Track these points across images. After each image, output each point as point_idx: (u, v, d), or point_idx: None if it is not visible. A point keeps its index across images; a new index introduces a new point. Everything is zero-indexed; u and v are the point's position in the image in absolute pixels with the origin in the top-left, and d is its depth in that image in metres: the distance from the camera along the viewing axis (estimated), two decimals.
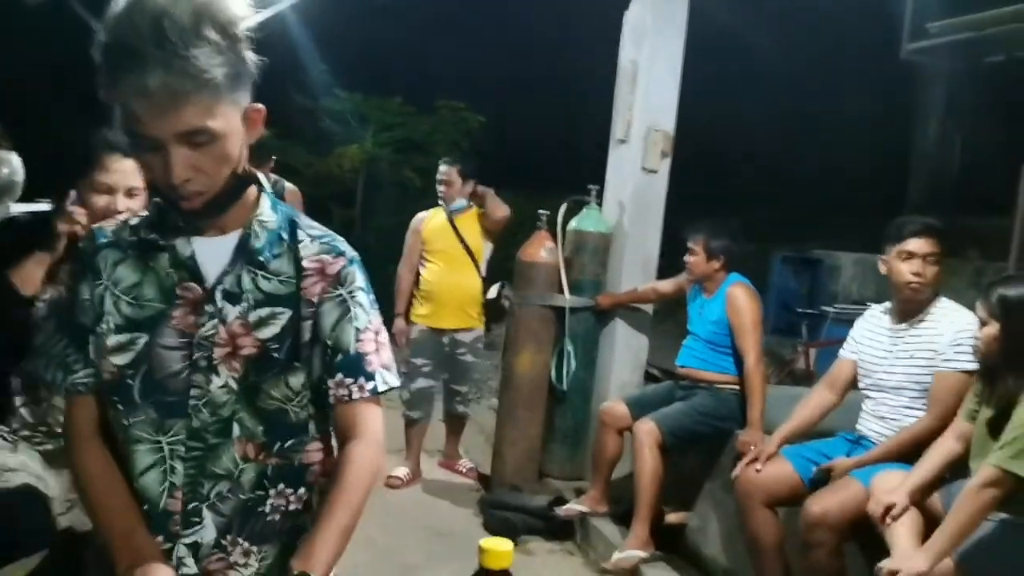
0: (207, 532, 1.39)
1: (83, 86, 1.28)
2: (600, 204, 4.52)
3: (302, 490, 1.44)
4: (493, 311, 4.59)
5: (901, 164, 11.10)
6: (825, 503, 2.68)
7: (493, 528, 3.95)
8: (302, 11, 7.30)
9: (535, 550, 3.84)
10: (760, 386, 3.48)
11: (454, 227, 4.55)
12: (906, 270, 2.83)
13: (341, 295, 1.41)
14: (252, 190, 1.39)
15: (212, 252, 1.37)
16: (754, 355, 3.50)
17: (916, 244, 2.83)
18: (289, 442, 1.42)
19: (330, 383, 1.40)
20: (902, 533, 2.43)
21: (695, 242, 3.70)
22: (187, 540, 1.38)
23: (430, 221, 4.66)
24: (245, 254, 1.37)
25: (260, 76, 1.31)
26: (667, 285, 4.14)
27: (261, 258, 1.38)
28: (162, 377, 1.36)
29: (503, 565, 1.05)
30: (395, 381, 1.46)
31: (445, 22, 12.70)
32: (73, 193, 2.19)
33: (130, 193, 2.25)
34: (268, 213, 1.41)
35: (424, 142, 11.23)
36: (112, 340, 1.36)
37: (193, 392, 1.36)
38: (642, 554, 3.43)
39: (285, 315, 1.38)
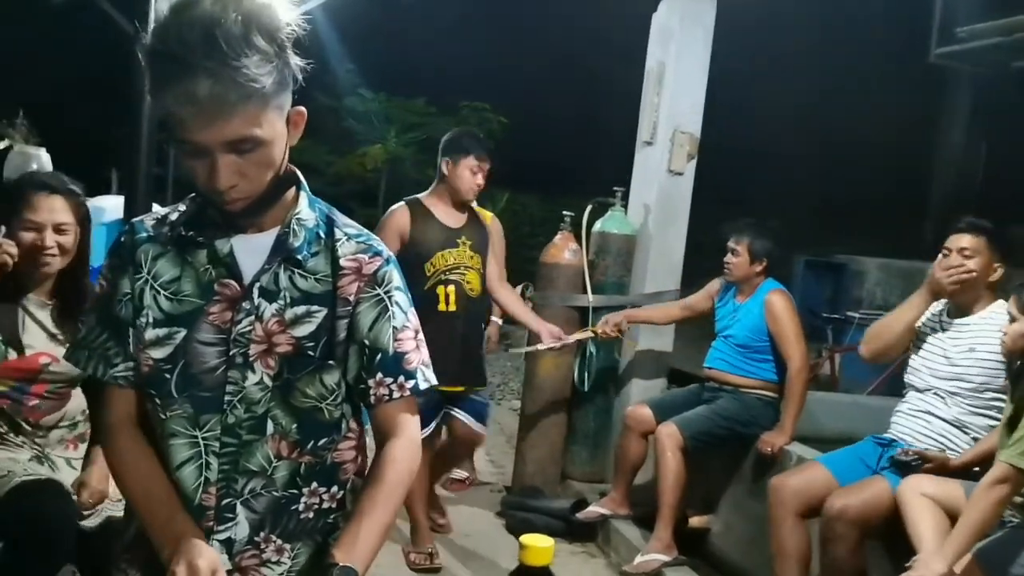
0: (241, 528, 1.39)
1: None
2: (625, 206, 4.50)
3: (335, 488, 1.45)
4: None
5: (926, 169, 11.00)
6: (847, 498, 2.67)
7: (514, 529, 3.95)
8: (330, 11, 7.32)
9: (556, 552, 3.81)
10: (800, 393, 3.45)
11: None
12: (942, 264, 2.85)
13: (379, 294, 1.41)
14: (292, 189, 1.40)
15: (250, 249, 1.37)
16: (799, 362, 3.47)
17: (952, 240, 2.86)
18: (322, 440, 1.42)
19: (370, 383, 1.41)
20: (927, 534, 2.40)
21: (738, 243, 3.63)
22: (221, 536, 1.38)
23: None
24: (282, 252, 1.37)
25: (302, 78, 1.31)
26: (699, 299, 3.96)
27: (299, 256, 1.38)
28: (198, 372, 1.36)
29: (543, 562, 1.04)
30: (434, 379, 1.46)
31: (470, 23, 12.72)
32: (3, 228, 2.26)
33: (59, 229, 2.32)
34: (306, 212, 1.41)
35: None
36: (150, 334, 1.37)
37: (229, 388, 1.36)
38: (664, 558, 3.42)
39: (321, 313, 1.38)
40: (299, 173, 1.43)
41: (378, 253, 1.43)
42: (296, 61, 1.27)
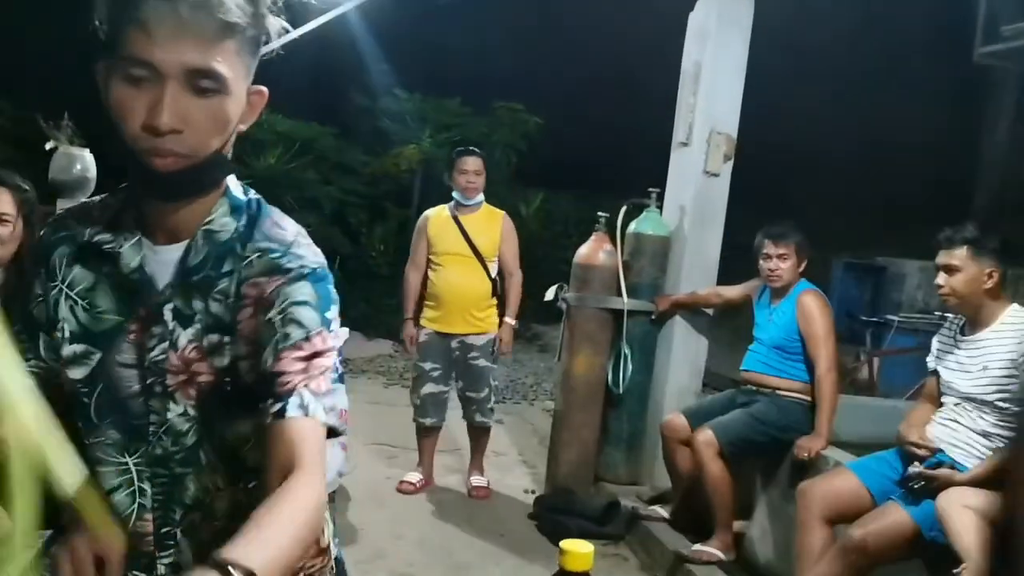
0: (184, 555, 1.27)
1: None
2: (660, 207, 4.48)
3: None
4: (550, 313, 4.52)
5: (970, 169, 10.81)
6: (868, 528, 2.64)
7: (547, 530, 3.95)
8: (365, 12, 7.38)
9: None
10: (831, 395, 3.41)
11: (459, 226, 4.32)
12: (937, 282, 2.84)
13: (270, 319, 1.15)
14: (221, 188, 1.21)
15: (163, 263, 1.19)
16: (826, 363, 3.43)
17: (941, 257, 2.82)
18: (255, 481, 1.22)
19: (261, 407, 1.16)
20: (972, 544, 2.36)
21: (786, 246, 3.59)
22: (166, 560, 1.26)
23: (435, 220, 4.40)
24: (188, 269, 1.18)
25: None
26: (733, 291, 4.03)
27: (199, 276, 1.18)
28: (121, 397, 1.21)
29: (584, 567, 1.02)
30: (324, 417, 1.13)
31: (505, 23, 12.73)
32: None
33: (0, 219, 2.42)
34: (221, 220, 1.20)
35: (481, 142, 11.30)
36: (67, 350, 1.22)
37: (152, 418, 1.21)
38: (722, 555, 3.45)
39: (233, 345, 1.19)
40: (233, 175, 1.25)
41: (286, 272, 1.18)
42: (275, 23, 1.15)
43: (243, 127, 1.19)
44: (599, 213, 4.51)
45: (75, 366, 1.21)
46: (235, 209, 1.21)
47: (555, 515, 3.97)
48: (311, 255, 1.22)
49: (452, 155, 4.44)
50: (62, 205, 3.93)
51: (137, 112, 1.06)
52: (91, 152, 4.00)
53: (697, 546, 3.49)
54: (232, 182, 1.24)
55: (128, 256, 1.18)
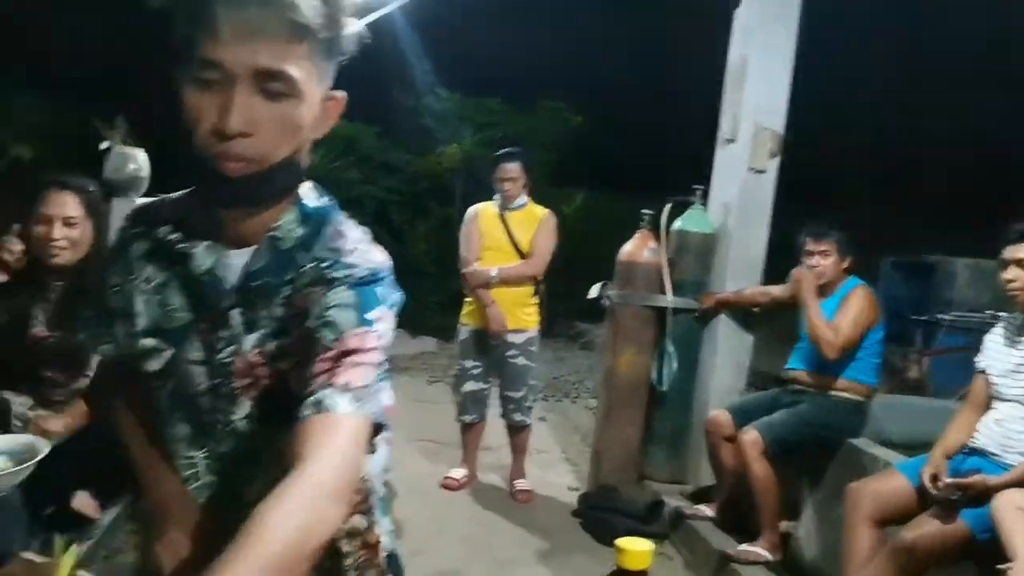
0: None
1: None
2: (705, 204, 4.44)
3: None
4: (594, 311, 4.49)
5: (1022, 164, 10.55)
6: (919, 531, 2.58)
7: (591, 528, 3.94)
8: (408, 12, 7.43)
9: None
10: (815, 334, 3.44)
11: (505, 223, 4.33)
12: (1002, 277, 2.77)
13: (310, 327, 1.13)
14: (293, 196, 1.20)
15: (232, 267, 1.19)
16: (837, 341, 3.41)
17: (1010, 250, 2.76)
18: None
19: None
20: (1022, 545, 2.32)
21: (827, 243, 3.55)
22: None
23: (483, 214, 4.41)
24: (254, 274, 1.18)
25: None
26: (781, 289, 3.97)
27: (259, 283, 1.17)
28: (191, 394, 1.23)
29: (641, 566, 1.02)
30: (350, 406, 1.06)
31: (547, 22, 12.72)
32: (15, 226, 2.44)
33: (67, 222, 2.46)
34: (288, 227, 1.18)
35: (522, 141, 11.31)
36: (142, 343, 1.24)
37: (218, 416, 1.23)
38: (768, 556, 3.41)
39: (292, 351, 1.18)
40: (307, 183, 1.23)
41: (329, 282, 1.15)
42: (351, 27, 1.12)
43: (316, 135, 1.16)
44: (643, 211, 4.49)
45: (149, 359, 1.23)
46: (304, 217, 1.20)
47: (599, 513, 3.96)
48: (365, 261, 1.19)
49: (492, 160, 4.46)
50: (116, 204, 4.02)
51: (206, 115, 1.05)
52: (145, 151, 4.08)
53: (743, 546, 3.46)
54: (306, 189, 1.22)
55: (201, 257, 1.17)
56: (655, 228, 4.42)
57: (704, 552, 3.63)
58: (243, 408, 1.20)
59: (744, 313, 4.31)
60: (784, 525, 3.58)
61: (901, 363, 6.60)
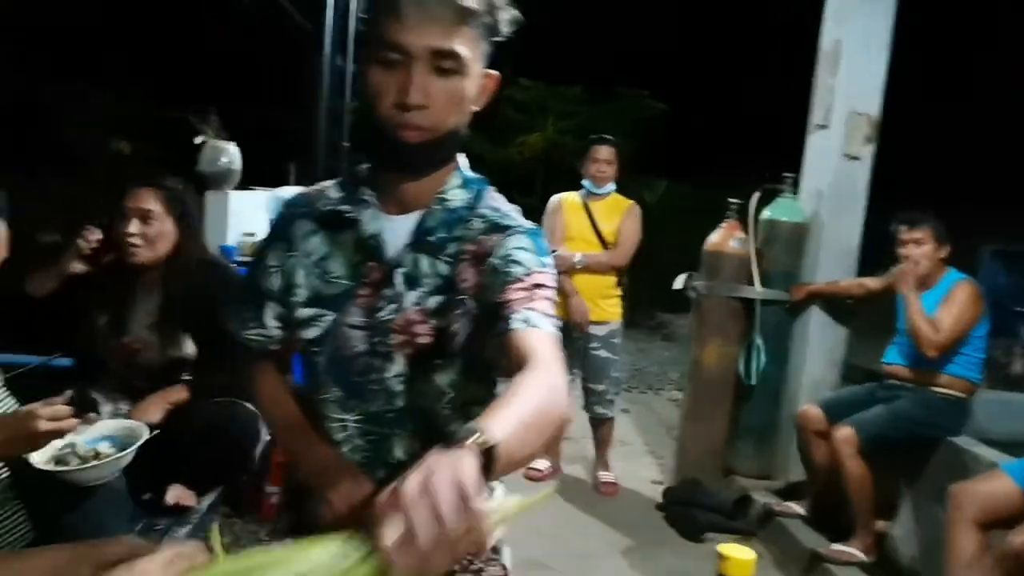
0: None
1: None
2: (796, 193, 4.31)
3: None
4: (679, 302, 4.39)
5: None
6: None
7: (675, 522, 3.89)
8: None
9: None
10: (923, 325, 3.30)
11: (589, 213, 4.26)
12: None
13: (493, 264, 1.27)
14: (452, 164, 1.35)
15: (397, 232, 1.33)
16: (939, 340, 3.27)
17: None
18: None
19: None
20: None
21: (922, 232, 3.41)
22: None
23: (567, 204, 4.34)
24: (422, 235, 1.32)
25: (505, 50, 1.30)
26: (877, 281, 3.83)
27: (433, 239, 1.31)
28: (348, 356, 1.33)
29: (744, 574, 0.99)
30: (542, 323, 1.18)
31: (630, 8, 12.56)
32: (102, 220, 2.45)
33: (144, 218, 2.44)
34: (454, 191, 1.34)
35: (604, 129, 11.19)
36: (301, 313, 1.36)
37: (372, 376, 1.33)
38: (863, 557, 3.32)
39: (458, 303, 1.30)
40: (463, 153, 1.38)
41: (503, 229, 1.31)
42: (507, 12, 1.27)
43: (476, 107, 1.30)
44: (730, 200, 4.38)
45: (308, 327, 1.35)
46: (466, 183, 1.36)
47: (684, 507, 3.90)
48: (519, 219, 1.35)
49: (586, 143, 4.40)
50: (210, 197, 4.13)
51: (389, 91, 1.21)
52: (236, 145, 4.18)
53: (836, 545, 3.36)
54: (463, 160, 1.38)
55: (368, 222, 1.32)
56: (743, 217, 4.31)
57: (795, 550, 3.54)
58: (396, 366, 1.31)
59: (837, 305, 4.17)
60: (879, 525, 3.46)
61: (1003, 357, 6.32)
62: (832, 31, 4.25)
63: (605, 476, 4.37)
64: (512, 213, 1.37)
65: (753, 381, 4.20)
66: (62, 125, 9.83)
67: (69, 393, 1.70)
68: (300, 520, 1.40)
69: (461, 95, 1.24)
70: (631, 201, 4.34)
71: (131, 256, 2.43)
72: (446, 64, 1.20)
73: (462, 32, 1.20)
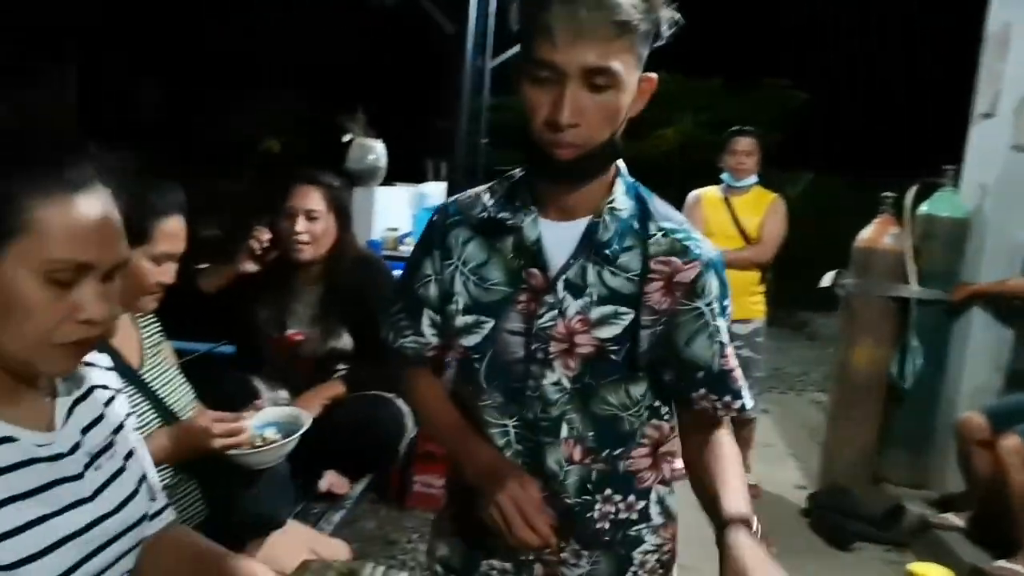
0: None
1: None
2: (956, 186, 4.06)
3: (632, 497, 1.37)
4: (827, 300, 4.22)
5: None
6: None
7: (821, 530, 3.75)
8: None
9: (869, 559, 3.58)
10: None
11: (730, 208, 4.14)
12: None
13: (699, 308, 1.29)
14: (611, 170, 1.31)
15: (559, 238, 1.29)
16: None
17: None
18: (618, 450, 1.34)
19: (693, 395, 1.32)
20: None
21: None
22: None
23: (707, 199, 4.24)
24: (592, 244, 1.28)
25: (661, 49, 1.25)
26: None
27: (608, 251, 1.27)
28: (507, 361, 1.32)
29: None
30: (751, 401, 1.36)
31: None
32: (267, 220, 2.51)
33: (309, 216, 2.49)
34: (622, 199, 1.30)
35: (744, 122, 10.90)
36: (460, 321, 1.34)
37: (529, 383, 1.31)
38: None
39: (628, 316, 1.28)
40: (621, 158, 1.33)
41: (696, 257, 1.28)
42: (667, 14, 1.21)
43: (632, 114, 1.27)
44: (884, 194, 4.18)
45: (468, 334, 1.35)
46: (629, 188, 1.32)
47: (831, 514, 3.75)
48: (705, 243, 1.32)
49: (725, 136, 4.30)
50: (357, 194, 4.28)
51: (542, 108, 1.18)
52: (383, 142, 4.32)
53: (1000, 562, 3.15)
54: (621, 164, 1.34)
55: (529, 230, 1.30)
56: (898, 212, 4.10)
57: (953, 565, 3.31)
58: (554, 373, 1.30)
59: (1003, 306, 3.90)
60: None
61: None
62: (1000, 13, 3.99)
63: (746, 479, 4.24)
64: (685, 225, 1.33)
65: (907, 385, 3.99)
66: (218, 125, 10.44)
67: (242, 415, 1.80)
68: (467, 521, 1.40)
69: (616, 109, 1.20)
70: (774, 194, 4.20)
71: (297, 253, 2.54)
72: (599, 80, 1.16)
73: (617, 46, 1.15)
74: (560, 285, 1.28)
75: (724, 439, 1.35)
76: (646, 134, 11.10)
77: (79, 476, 1.08)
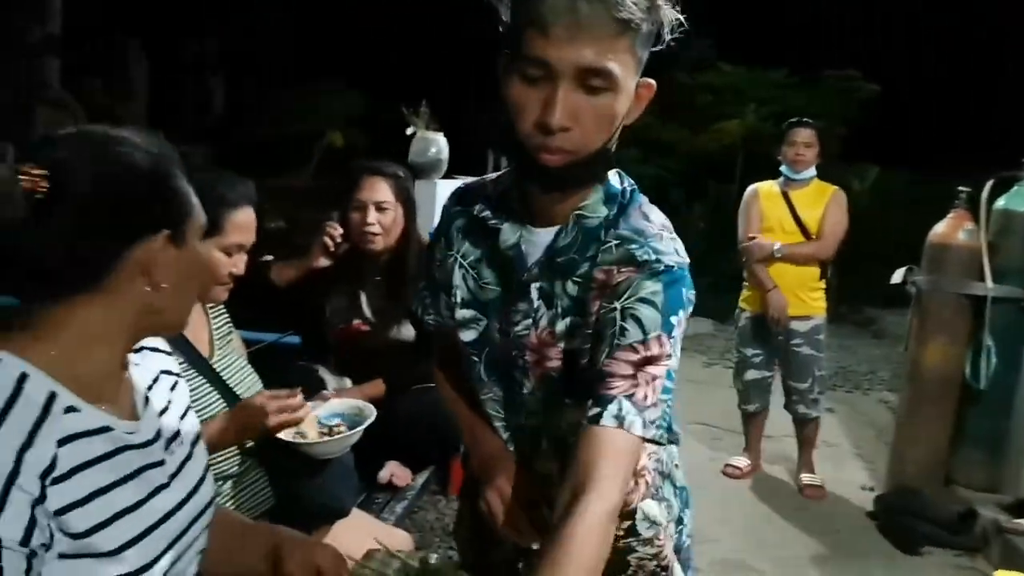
0: (525, 535, 1.33)
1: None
2: None
3: (626, 524, 1.26)
4: (898, 297, 4.09)
5: None
6: None
7: (888, 532, 3.65)
8: None
9: (939, 564, 3.47)
10: None
11: (788, 202, 4.03)
12: None
13: (614, 307, 1.16)
14: (598, 182, 1.24)
15: (536, 244, 1.25)
16: None
17: None
18: None
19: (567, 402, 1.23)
20: None
21: None
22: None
23: (764, 193, 4.13)
24: (553, 253, 1.23)
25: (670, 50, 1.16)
26: None
27: (563, 259, 1.22)
28: (501, 361, 1.31)
29: None
30: (641, 430, 1.11)
31: None
32: (335, 213, 2.52)
33: (379, 207, 2.50)
34: (592, 207, 1.22)
35: (809, 114, 10.65)
36: (459, 314, 1.34)
37: (515, 388, 1.30)
38: None
39: (587, 329, 1.21)
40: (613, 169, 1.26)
41: (640, 264, 1.18)
42: (670, 15, 1.13)
43: (628, 121, 1.19)
44: (959, 188, 4.04)
45: (465, 329, 1.33)
46: (609, 197, 1.24)
47: (899, 517, 3.65)
48: (671, 252, 1.21)
49: (784, 127, 4.21)
50: (419, 186, 4.30)
51: (530, 109, 1.10)
52: (445, 136, 4.32)
53: None
54: (611, 173, 1.26)
55: (507, 233, 1.25)
56: (973, 207, 3.96)
57: None
58: (530, 383, 1.27)
59: None
60: None
61: None
62: None
63: (810, 479, 4.16)
64: (656, 240, 1.21)
65: (982, 385, 3.85)
66: (282, 119, 10.61)
67: (298, 390, 1.82)
68: (473, 511, 1.42)
69: (611, 114, 1.12)
70: (835, 187, 4.10)
71: (368, 244, 2.58)
72: (596, 82, 1.08)
73: (617, 45, 1.07)
74: (534, 292, 1.24)
75: (586, 515, 1.05)
76: (705, 127, 10.93)
77: (161, 462, 1.11)
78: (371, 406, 1.99)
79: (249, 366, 2.00)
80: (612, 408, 1.10)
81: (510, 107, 1.12)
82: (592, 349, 1.18)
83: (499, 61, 1.17)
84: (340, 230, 2.59)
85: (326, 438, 1.84)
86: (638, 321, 1.14)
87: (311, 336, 2.77)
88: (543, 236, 1.24)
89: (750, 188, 4.27)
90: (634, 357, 1.13)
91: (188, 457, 1.18)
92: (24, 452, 0.91)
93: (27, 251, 0.96)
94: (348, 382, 2.62)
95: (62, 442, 0.96)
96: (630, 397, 1.11)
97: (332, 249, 2.58)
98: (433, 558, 1.31)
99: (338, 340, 2.70)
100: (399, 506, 2.44)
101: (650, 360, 1.14)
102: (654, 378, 1.13)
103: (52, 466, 0.94)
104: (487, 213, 1.27)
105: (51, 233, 0.95)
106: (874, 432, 5.13)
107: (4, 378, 0.93)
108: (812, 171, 4.07)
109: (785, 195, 4.08)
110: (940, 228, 4.01)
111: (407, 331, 2.62)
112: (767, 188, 4.17)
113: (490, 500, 1.25)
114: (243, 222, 1.81)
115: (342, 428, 1.91)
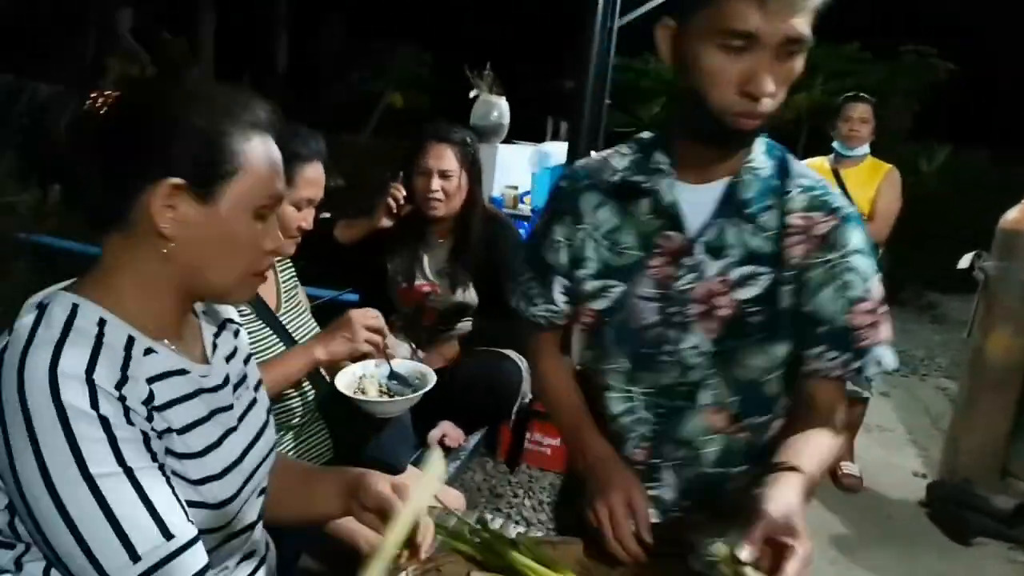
0: (666, 491, 1.36)
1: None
2: None
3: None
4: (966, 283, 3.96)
5: None
6: None
7: (942, 521, 3.59)
8: None
9: (992, 555, 3.41)
10: None
11: (839, 180, 3.87)
12: None
13: (830, 260, 1.24)
14: None
15: (696, 200, 1.28)
16: None
17: None
18: (764, 417, 1.32)
19: (809, 353, 1.26)
20: None
21: None
22: (650, 492, 1.34)
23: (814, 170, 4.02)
24: (732, 205, 1.26)
25: None
26: None
27: (749, 210, 1.25)
28: (637, 327, 1.31)
29: None
30: (891, 363, 1.28)
31: None
32: (400, 174, 2.51)
33: (443, 175, 2.48)
34: (761, 159, 1.28)
35: (879, 90, 10.37)
36: (590, 285, 1.34)
37: (664, 348, 1.29)
38: None
39: (768, 275, 1.25)
40: None
41: (833, 210, 1.26)
42: None
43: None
44: None
45: (597, 299, 1.34)
46: (769, 148, 1.30)
47: (953, 507, 3.59)
48: (842, 199, 1.29)
49: (839, 101, 4.08)
50: (481, 150, 4.30)
51: (730, 78, 1.13)
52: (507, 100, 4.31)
53: None
54: None
55: (666, 192, 1.28)
56: None
57: None
58: (693, 337, 1.27)
59: None
60: None
61: None
62: None
63: (848, 467, 4.00)
64: (824, 183, 1.30)
65: None
66: (345, 78, 10.66)
67: (378, 363, 1.86)
68: (569, 511, 1.42)
69: (796, 74, 1.18)
70: (889, 165, 3.94)
71: (432, 210, 2.59)
72: (793, 48, 1.13)
73: (811, 10, 1.13)
74: (699, 247, 1.26)
75: (825, 432, 1.26)
76: None
77: (231, 406, 1.14)
78: (432, 372, 2.01)
79: (313, 320, 2.04)
80: (872, 358, 1.26)
81: (702, 76, 1.15)
82: (797, 293, 1.25)
83: (659, 31, 1.21)
84: (404, 192, 2.60)
85: (386, 398, 1.87)
86: (859, 272, 1.24)
87: (372, 294, 2.81)
88: (706, 192, 1.27)
89: None
90: (869, 306, 1.25)
91: (253, 402, 1.21)
92: (122, 387, 0.94)
93: (69, 169, 0.99)
94: (406, 348, 2.65)
95: (151, 380, 0.99)
96: (879, 343, 1.26)
97: (396, 211, 2.59)
98: (491, 518, 1.33)
99: (401, 300, 2.73)
100: (452, 466, 2.47)
101: (880, 303, 1.26)
102: (886, 316, 1.28)
103: (151, 397, 0.98)
104: (637, 177, 1.30)
105: (85, 155, 0.97)
106: (929, 419, 5.04)
107: (87, 324, 0.97)
108: (866, 148, 3.92)
109: (836, 172, 3.92)
110: (1013, 213, 3.88)
111: (470, 295, 2.64)
112: (817, 164, 4.02)
113: (601, 514, 1.23)
114: (313, 177, 1.83)
115: (403, 389, 1.93)
